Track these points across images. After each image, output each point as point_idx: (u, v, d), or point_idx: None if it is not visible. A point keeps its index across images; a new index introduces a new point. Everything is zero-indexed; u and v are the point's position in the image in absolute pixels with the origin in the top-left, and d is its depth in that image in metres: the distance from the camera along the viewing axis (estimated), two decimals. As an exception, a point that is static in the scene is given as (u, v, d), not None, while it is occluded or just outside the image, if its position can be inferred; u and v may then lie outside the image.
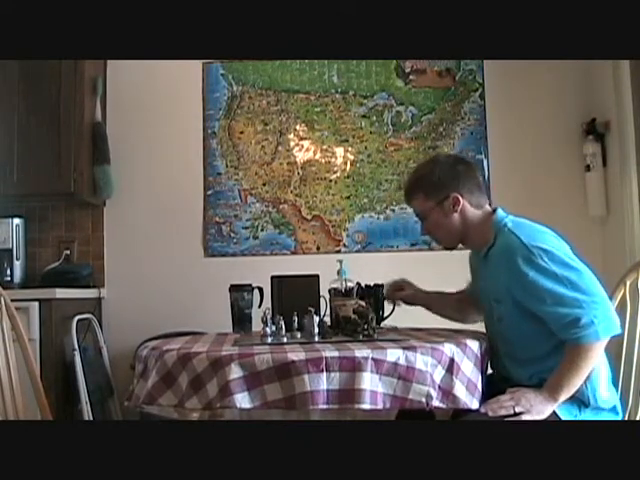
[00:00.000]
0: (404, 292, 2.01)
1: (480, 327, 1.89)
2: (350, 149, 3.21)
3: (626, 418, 1.75)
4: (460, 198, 1.73)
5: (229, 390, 1.39)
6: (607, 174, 3.05)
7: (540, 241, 1.59)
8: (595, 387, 1.58)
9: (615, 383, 1.71)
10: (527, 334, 1.63)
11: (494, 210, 1.76)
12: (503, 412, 1.48)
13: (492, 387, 1.57)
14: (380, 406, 1.40)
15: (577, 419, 1.56)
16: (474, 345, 1.55)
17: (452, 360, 1.47)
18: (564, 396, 1.52)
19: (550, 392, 1.52)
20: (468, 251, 1.93)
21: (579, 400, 1.57)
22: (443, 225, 1.76)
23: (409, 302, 2.02)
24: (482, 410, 1.47)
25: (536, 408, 1.49)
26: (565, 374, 1.52)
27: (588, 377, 1.54)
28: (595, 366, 1.55)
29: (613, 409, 1.64)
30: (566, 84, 3.20)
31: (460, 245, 1.83)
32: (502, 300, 1.65)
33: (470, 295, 1.96)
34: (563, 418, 1.53)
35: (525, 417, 1.48)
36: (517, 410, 1.48)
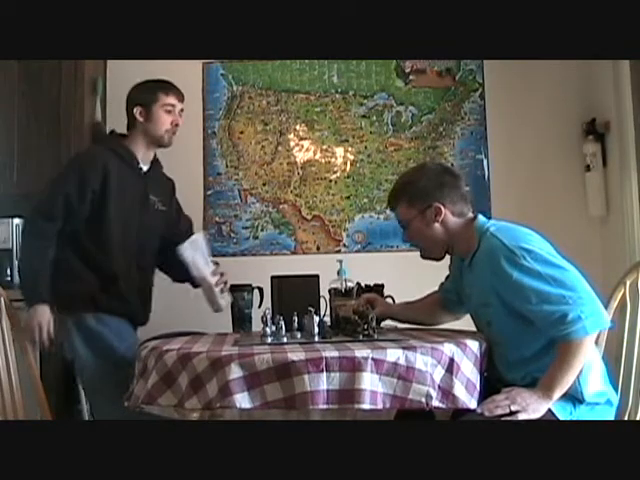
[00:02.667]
0: (376, 310, 1.93)
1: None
2: (350, 149, 3.20)
3: (626, 418, 1.75)
4: (442, 208, 1.75)
5: (229, 390, 1.39)
6: (607, 174, 3.05)
7: (522, 241, 1.61)
8: (587, 382, 1.59)
9: (610, 376, 1.71)
10: (516, 336, 1.64)
11: (475, 217, 1.77)
12: (499, 411, 1.48)
13: (488, 388, 1.57)
14: (380, 406, 1.40)
15: (573, 416, 1.56)
16: (474, 345, 1.55)
17: (452, 360, 1.47)
18: (558, 393, 1.52)
19: (544, 390, 1.52)
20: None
21: (572, 397, 1.57)
22: (425, 235, 1.78)
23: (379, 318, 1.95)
24: (478, 410, 1.47)
25: (532, 407, 1.49)
26: (558, 372, 1.52)
27: (580, 373, 1.55)
28: (586, 362, 1.56)
29: (608, 402, 1.64)
30: (566, 84, 3.20)
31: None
32: (490, 303, 1.66)
33: (445, 295, 1.97)
34: (559, 415, 1.54)
35: (521, 416, 1.48)
36: (513, 409, 1.48)
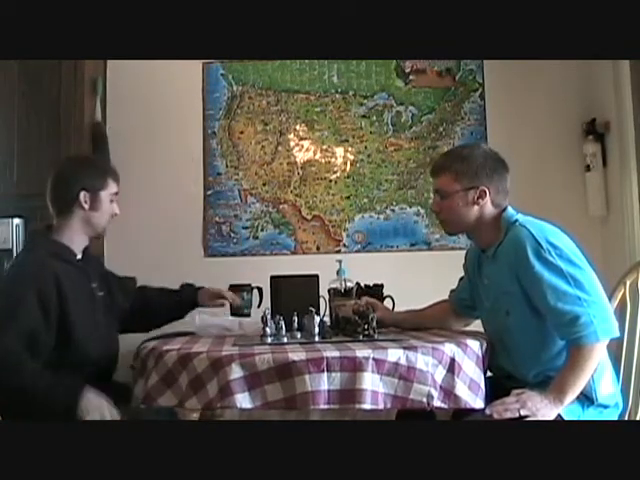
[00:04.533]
0: (377, 313, 1.89)
1: (480, 327, 1.89)
2: (350, 149, 3.20)
3: (626, 418, 1.75)
4: (487, 193, 1.72)
5: (229, 390, 1.39)
6: (607, 174, 3.05)
7: (550, 236, 1.61)
8: (601, 383, 1.59)
9: (617, 380, 1.72)
10: (535, 330, 1.63)
11: (504, 209, 1.75)
12: (509, 415, 1.47)
13: (493, 388, 1.56)
14: (381, 406, 1.40)
15: (580, 418, 1.56)
16: (475, 345, 1.55)
17: (453, 360, 1.47)
18: (570, 398, 1.52)
19: (555, 395, 1.51)
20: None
21: (584, 396, 1.57)
22: (458, 212, 1.74)
23: (379, 324, 1.90)
24: (487, 412, 1.47)
25: (541, 412, 1.48)
26: (569, 377, 1.52)
27: (595, 371, 1.54)
28: (600, 362, 1.56)
29: (616, 405, 1.65)
30: (566, 84, 3.20)
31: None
32: (511, 292, 1.65)
33: (458, 298, 1.95)
34: (566, 417, 1.53)
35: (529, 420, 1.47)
36: (522, 413, 1.47)
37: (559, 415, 1.52)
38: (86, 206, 1.86)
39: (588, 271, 1.59)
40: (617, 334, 1.58)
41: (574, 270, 1.56)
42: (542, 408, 1.49)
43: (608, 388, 1.61)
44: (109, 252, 3.21)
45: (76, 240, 1.89)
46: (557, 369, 1.56)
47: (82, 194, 1.85)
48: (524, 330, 1.65)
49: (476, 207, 1.73)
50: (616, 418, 1.65)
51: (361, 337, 1.65)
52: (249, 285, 2.11)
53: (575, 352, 1.52)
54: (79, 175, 1.89)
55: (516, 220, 1.68)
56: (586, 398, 1.58)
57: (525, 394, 1.52)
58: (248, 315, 2.08)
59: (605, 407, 1.61)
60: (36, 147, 2.89)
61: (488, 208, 1.73)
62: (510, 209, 1.74)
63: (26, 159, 2.88)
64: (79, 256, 1.92)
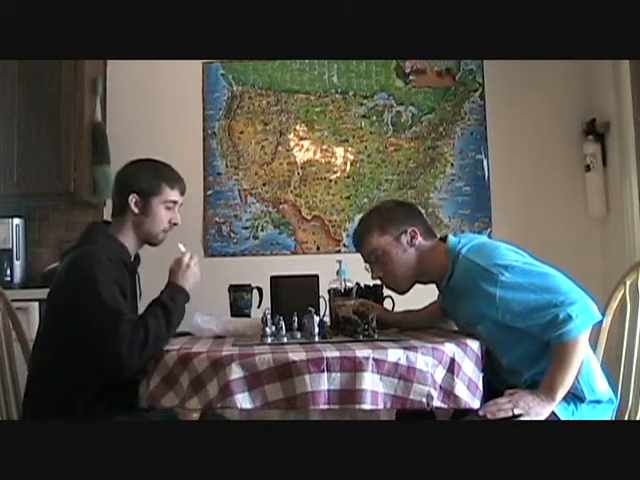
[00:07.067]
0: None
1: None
2: (350, 149, 3.21)
3: (626, 418, 1.75)
4: (417, 232, 1.76)
5: (230, 390, 1.39)
6: (607, 174, 3.05)
7: (496, 258, 1.62)
8: (588, 381, 1.60)
9: (607, 376, 1.71)
10: (509, 346, 1.64)
11: (444, 238, 1.77)
12: (502, 415, 1.48)
13: (489, 389, 1.57)
14: (381, 406, 1.40)
15: (575, 416, 1.57)
16: (474, 345, 1.55)
17: (453, 360, 1.47)
18: (561, 394, 1.52)
19: (547, 393, 1.52)
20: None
21: (574, 396, 1.58)
22: (400, 262, 1.77)
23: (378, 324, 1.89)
24: (481, 413, 1.47)
25: (534, 410, 1.49)
26: (558, 373, 1.53)
27: (579, 372, 1.55)
28: (584, 360, 1.56)
29: (609, 401, 1.65)
30: (566, 84, 3.20)
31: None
32: (477, 323, 1.65)
33: (441, 305, 1.95)
34: (561, 417, 1.54)
35: (524, 419, 1.48)
36: (515, 412, 1.48)
37: (554, 414, 1.53)
38: (136, 210, 1.81)
39: (547, 272, 1.59)
40: (599, 317, 1.57)
41: (534, 279, 1.56)
42: (535, 406, 1.50)
43: (595, 384, 1.61)
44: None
45: (130, 244, 1.84)
46: (542, 371, 1.57)
47: (131, 197, 1.80)
48: (499, 350, 1.66)
49: (413, 249, 1.77)
50: (611, 413, 1.65)
51: (361, 337, 1.65)
52: (249, 285, 2.11)
53: (560, 349, 1.53)
54: (132, 178, 1.84)
55: (459, 252, 1.68)
56: (576, 397, 1.58)
57: (517, 394, 1.53)
58: (248, 315, 2.08)
59: (598, 402, 1.61)
60: (36, 147, 2.89)
61: (423, 245, 1.77)
62: (451, 238, 1.76)
63: (26, 159, 2.88)
64: (132, 258, 1.87)
